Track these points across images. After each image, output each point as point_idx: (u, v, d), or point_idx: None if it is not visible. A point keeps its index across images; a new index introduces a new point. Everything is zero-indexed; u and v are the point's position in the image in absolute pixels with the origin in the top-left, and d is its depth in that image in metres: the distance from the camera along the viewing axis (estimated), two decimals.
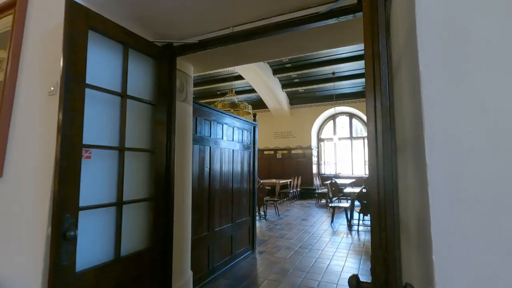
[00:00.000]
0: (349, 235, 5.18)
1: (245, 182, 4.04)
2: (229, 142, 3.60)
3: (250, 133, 4.21)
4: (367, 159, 10.43)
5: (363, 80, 9.49)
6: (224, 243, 3.41)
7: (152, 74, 1.89)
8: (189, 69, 2.33)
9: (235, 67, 8.68)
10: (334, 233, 5.36)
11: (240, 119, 3.88)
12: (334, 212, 6.23)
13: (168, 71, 1.97)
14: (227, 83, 10.30)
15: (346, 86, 10.09)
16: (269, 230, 5.59)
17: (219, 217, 3.32)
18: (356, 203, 6.22)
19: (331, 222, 6.18)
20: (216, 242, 3.22)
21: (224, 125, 3.49)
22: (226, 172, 3.50)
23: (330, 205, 6.23)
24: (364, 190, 5.27)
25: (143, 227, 1.75)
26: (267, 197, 10.30)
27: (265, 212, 6.72)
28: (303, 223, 6.29)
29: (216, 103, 7.10)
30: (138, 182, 1.73)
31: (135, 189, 1.71)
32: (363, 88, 10.14)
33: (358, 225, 5.46)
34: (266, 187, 7.60)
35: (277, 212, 7.25)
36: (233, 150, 3.68)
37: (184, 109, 2.26)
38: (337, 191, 8.30)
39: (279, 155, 11.64)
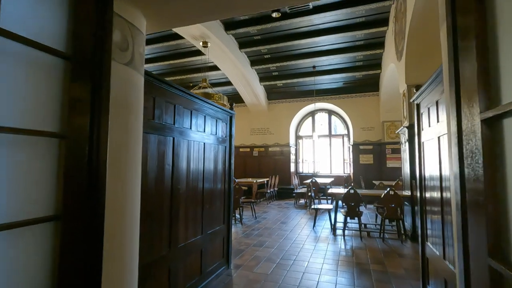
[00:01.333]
0: (335, 242, 4.66)
1: (219, 183, 3.34)
2: (200, 134, 2.88)
3: (226, 124, 3.51)
4: (346, 157, 10.12)
5: (343, 75, 9.13)
6: (192, 261, 2.70)
7: (65, 7, 1.13)
8: (138, 21, 1.59)
9: (210, 57, 7.91)
10: (318, 239, 4.82)
11: (215, 105, 3.17)
12: (316, 214, 5.71)
13: (97, 10, 1.23)
14: (200, 74, 9.48)
15: (326, 81, 9.68)
16: (246, 237, 4.93)
17: (185, 229, 2.59)
18: (340, 204, 5.76)
19: (313, 226, 5.65)
20: (180, 261, 2.50)
21: (193, 111, 2.76)
22: (195, 171, 2.78)
23: (312, 206, 5.70)
24: (351, 191, 4.78)
25: (38, 271, 1.00)
26: (243, 198, 9.65)
27: (241, 215, 6.06)
28: (282, 227, 5.71)
29: None
30: (28, 191, 0.98)
31: (22, 203, 0.96)
32: (343, 84, 9.80)
33: (344, 229, 4.97)
34: (242, 187, 6.94)
35: (254, 214, 6.62)
36: (204, 144, 2.96)
37: (129, 79, 1.52)
38: (318, 191, 7.83)
39: (255, 153, 11.02)
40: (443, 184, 2.17)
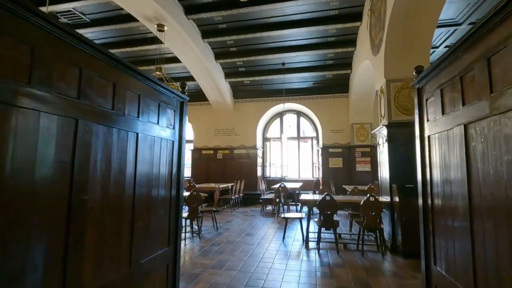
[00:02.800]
0: (309, 258, 3.98)
1: (163, 189, 2.46)
2: (129, 120, 1.99)
3: (175, 112, 2.65)
4: (315, 160, 9.66)
5: (313, 74, 8.67)
6: None
7: None
8: None
9: (168, 44, 6.93)
10: (289, 255, 4.10)
11: (157, 83, 2.31)
12: (286, 224, 5.00)
13: None
14: (156, 67, 8.38)
15: (296, 80, 9.17)
16: (204, 255, 4.04)
17: (96, 263, 1.68)
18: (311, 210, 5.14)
19: (282, 238, 4.94)
20: None
21: (117, 84, 1.88)
22: (119, 172, 1.89)
23: (282, 215, 4.99)
24: (327, 197, 4.14)
25: None
26: (204, 206, 8.68)
27: (199, 227, 5.14)
28: (248, 240, 4.91)
29: None
30: None
31: None
32: (313, 83, 9.36)
33: (318, 242, 4.31)
34: (203, 194, 6.03)
35: (215, 225, 5.73)
36: (137, 135, 2.08)
37: None
38: (287, 196, 7.19)
39: (219, 155, 10.13)
40: (472, 190, 1.54)
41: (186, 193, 5.06)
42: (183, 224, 5.15)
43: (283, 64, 8.39)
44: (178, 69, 8.90)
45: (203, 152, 10.27)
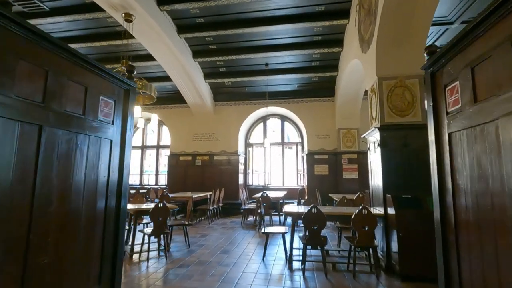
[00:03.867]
0: (292, 282, 3.37)
1: (95, 203, 1.81)
2: (33, 109, 1.34)
3: (116, 102, 2.01)
4: (300, 167, 9.14)
5: (298, 76, 8.21)
6: None
7: None
8: None
9: (139, 38, 6.26)
10: (270, 278, 3.48)
11: (86, 60, 1.67)
12: (267, 240, 4.38)
13: None
14: (122, 61, 7.65)
15: (280, 82, 8.68)
16: (166, 283, 3.34)
17: None
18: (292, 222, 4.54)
19: (263, 257, 4.30)
20: None
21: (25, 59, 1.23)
22: (11, 180, 1.23)
23: (262, 230, 4.37)
24: (314, 210, 3.57)
25: None
26: (179, 217, 7.90)
27: (166, 245, 4.42)
28: (223, 259, 4.25)
29: None
30: None
31: None
32: (298, 86, 8.90)
33: (303, 262, 3.71)
34: (174, 205, 5.34)
35: (187, 240, 5.02)
36: (41, 128, 1.43)
37: None
38: (269, 207, 6.57)
39: (198, 162, 9.42)
40: None
41: (149, 206, 4.34)
42: (146, 241, 4.43)
43: (267, 64, 7.89)
44: (153, 68, 8.20)
45: (181, 158, 9.53)
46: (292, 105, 9.19)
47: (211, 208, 7.38)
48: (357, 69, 6.18)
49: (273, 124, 10.18)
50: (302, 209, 4.28)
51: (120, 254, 2.01)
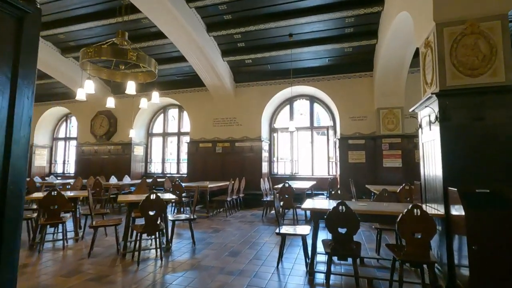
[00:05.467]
0: None
1: None
2: None
3: None
4: (331, 154, 8.02)
5: (328, 47, 6.99)
6: None
7: None
8: None
9: (142, 9, 5.59)
10: None
11: None
12: (284, 244, 3.48)
13: None
14: (140, 45, 7.08)
15: (307, 56, 7.53)
16: None
17: None
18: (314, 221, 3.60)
19: (277, 263, 3.43)
20: None
21: None
22: None
23: (277, 231, 3.48)
24: (341, 208, 2.59)
25: None
26: (196, 209, 7.28)
27: (160, 243, 3.74)
28: (229, 264, 3.46)
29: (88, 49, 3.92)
30: None
31: None
32: (328, 60, 7.68)
33: (328, 277, 2.77)
34: (168, 199, 4.68)
35: (193, 238, 4.32)
36: None
37: None
38: (292, 200, 5.65)
39: (218, 149, 8.73)
40: None
41: (136, 198, 3.64)
42: (136, 238, 3.77)
43: (291, 35, 6.80)
44: (167, 48, 7.54)
45: (200, 145, 8.92)
46: (322, 83, 8.02)
47: (229, 199, 6.64)
48: (402, 29, 4.88)
49: (301, 106, 9.10)
50: (328, 204, 3.30)
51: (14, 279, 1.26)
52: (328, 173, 8.49)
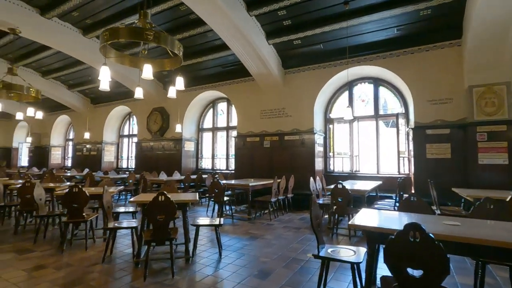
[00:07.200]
0: None
1: None
2: None
3: None
4: (402, 148, 6.37)
5: (396, 12, 5.51)
6: None
7: None
8: None
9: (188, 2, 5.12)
10: None
11: None
12: (326, 270, 2.48)
13: None
14: (182, 35, 6.70)
15: (367, 28, 6.14)
16: None
17: None
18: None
19: None
20: None
21: None
22: None
23: (317, 251, 2.50)
24: (413, 236, 1.50)
25: None
26: (238, 209, 6.63)
27: (172, 256, 3.10)
28: None
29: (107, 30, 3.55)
30: None
31: None
32: (397, 30, 6.14)
33: None
34: (181, 200, 4.04)
35: (219, 249, 3.63)
36: None
37: None
38: (347, 204, 4.52)
39: (266, 143, 7.95)
40: None
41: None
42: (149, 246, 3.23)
43: (346, 3, 5.55)
44: (209, 36, 7.05)
45: (248, 139, 8.28)
46: (388, 60, 6.50)
47: (273, 200, 5.81)
48: None
49: (362, 91, 7.65)
50: (391, 220, 2.18)
51: None
52: (398, 171, 6.91)
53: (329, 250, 2.50)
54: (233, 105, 9.15)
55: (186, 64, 8.35)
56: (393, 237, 1.52)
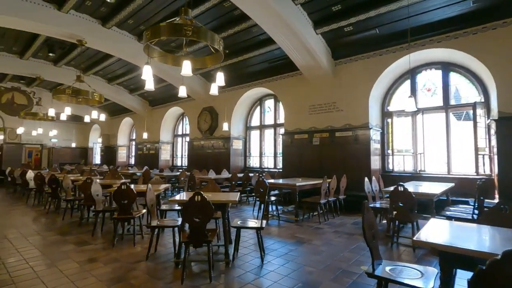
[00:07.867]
0: None
1: None
2: None
3: None
4: (481, 144, 5.27)
5: None
6: None
7: None
8: None
9: None
10: None
11: None
12: None
13: None
14: (227, 33, 6.62)
15: (433, 4, 5.25)
16: None
17: None
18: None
19: None
20: None
21: None
22: None
23: (370, 269, 2.08)
24: None
25: None
26: (286, 210, 6.32)
27: (210, 259, 2.94)
28: None
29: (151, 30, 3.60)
30: None
31: None
32: (472, 2, 5.12)
33: None
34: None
35: (261, 253, 3.39)
36: None
37: None
38: (410, 210, 3.88)
39: (315, 140, 7.47)
40: None
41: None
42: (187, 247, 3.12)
43: None
44: (255, 32, 6.86)
45: (296, 136, 7.89)
46: (462, 40, 5.48)
47: (322, 201, 5.36)
48: None
49: (428, 79, 6.64)
50: (480, 243, 1.66)
51: None
52: (477, 171, 5.81)
53: (387, 268, 2.05)
54: (280, 102, 8.85)
55: (232, 62, 8.33)
56: (483, 268, 1.07)
